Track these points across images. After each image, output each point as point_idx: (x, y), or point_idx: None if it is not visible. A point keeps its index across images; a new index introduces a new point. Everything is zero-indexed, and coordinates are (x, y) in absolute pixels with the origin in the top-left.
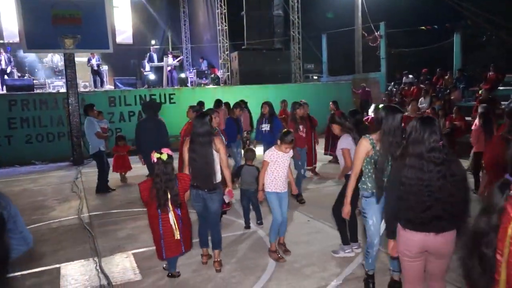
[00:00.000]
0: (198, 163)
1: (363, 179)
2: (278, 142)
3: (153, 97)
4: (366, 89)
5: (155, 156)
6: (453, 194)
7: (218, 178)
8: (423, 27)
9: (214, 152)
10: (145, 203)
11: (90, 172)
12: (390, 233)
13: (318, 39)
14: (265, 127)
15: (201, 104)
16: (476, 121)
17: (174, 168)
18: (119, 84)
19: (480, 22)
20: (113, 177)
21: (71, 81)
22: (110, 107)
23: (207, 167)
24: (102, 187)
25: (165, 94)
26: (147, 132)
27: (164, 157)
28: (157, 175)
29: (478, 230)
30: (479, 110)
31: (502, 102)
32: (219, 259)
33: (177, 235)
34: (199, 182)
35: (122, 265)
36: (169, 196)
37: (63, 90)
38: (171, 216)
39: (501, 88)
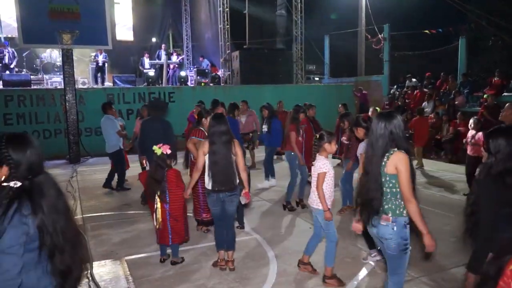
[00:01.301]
0: (220, 164)
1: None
2: (326, 146)
3: (152, 95)
4: (363, 92)
5: (154, 148)
6: None
7: (237, 180)
8: (427, 31)
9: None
10: (145, 192)
11: (86, 171)
12: (479, 266)
13: (320, 40)
14: (264, 128)
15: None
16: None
17: (168, 165)
18: (118, 82)
19: (484, 26)
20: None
21: (68, 77)
22: None
23: (229, 166)
24: (120, 183)
25: (164, 93)
26: (153, 133)
27: (158, 151)
28: (150, 168)
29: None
30: (474, 118)
31: None
32: (232, 259)
33: (158, 226)
34: (221, 184)
35: (115, 272)
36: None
37: (61, 86)
38: (157, 206)
39: (505, 94)
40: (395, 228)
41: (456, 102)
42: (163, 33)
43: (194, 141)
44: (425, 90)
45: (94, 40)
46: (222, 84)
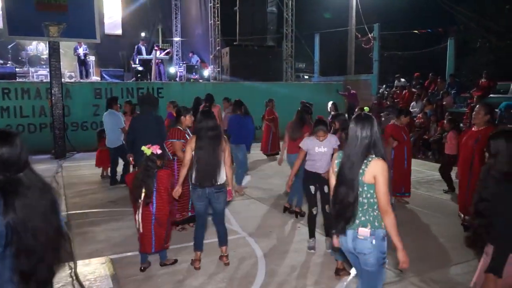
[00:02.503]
0: (206, 160)
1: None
2: None
3: (140, 90)
4: (352, 91)
5: (142, 149)
6: None
7: (224, 178)
8: (416, 31)
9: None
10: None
11: (72, 167)
12: (499, 270)
13: (311, 38)
14: None
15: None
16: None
17: (155, 161)
18: (105, 76)
19: (473, 27)
20: (96, 173)
21: (54, 71)
22: (95, 99)
23: (217, 162)
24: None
25: (153, 88)
26: (145, 129)
27: (148, 152)
28: (138, 169)
29: None
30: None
31: (495, 110)
32: (226, 254)
33: (140, 228)
34: (205, 179)
35: (99, 272)
36: (143, 192)
37: (47, 79)
38: (139, 212)
39: (492, 95)
40: (374, 242)
41: (444, 103)
42: (153, 28)
43: (179, 145)
44: (414, 90)
45: (81, 33)
46: (211, 81)
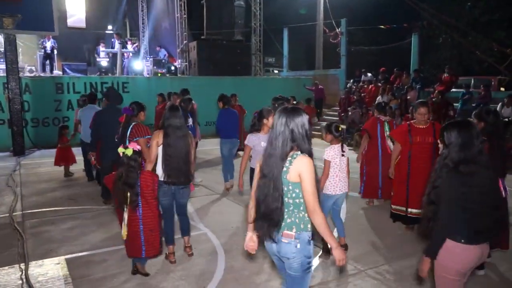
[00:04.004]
0: (175, 158)
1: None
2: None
3: (105, 85)
4: (320, 86)
5: (119, 150)
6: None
7: (192, 173)
8: (382, 26)
9: None
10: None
11: (31, 164)
12: (434, 252)
13: (279, 32)
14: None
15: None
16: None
17: (138, 162)
18: (67, 70)
19: (436, 24)
20: (56, 171)
21: (11, 65)
22: (57, 94)
23: (185, 159)
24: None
25: (118, 83)
26: (109, 125)
27: (129, 152)
28: (119, 171)
29: None
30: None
31: (455, 104)
32: (189, 244)
33: (124, 236)
34: (174, 178)
35: (52, 273)
36: (128, 195)
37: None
38: (125, 216)
39: (454, 90)
40: (298, 246)
41: (408, 97)
42: (119, 21)
43: (144, 141)
44: (379, 84)
45: (38, 25)
46: (179, 75)
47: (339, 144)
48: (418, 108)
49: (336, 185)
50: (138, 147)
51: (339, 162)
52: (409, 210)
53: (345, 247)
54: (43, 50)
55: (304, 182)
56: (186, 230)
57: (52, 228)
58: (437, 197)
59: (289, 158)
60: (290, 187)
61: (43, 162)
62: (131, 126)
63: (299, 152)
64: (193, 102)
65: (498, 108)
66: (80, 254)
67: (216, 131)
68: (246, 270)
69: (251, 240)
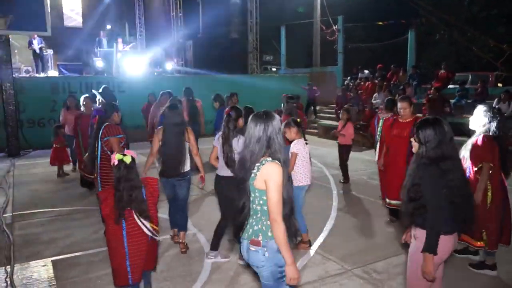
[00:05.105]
0: (170, 153)
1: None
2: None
3: (101, 85)
4: (314, 87)
5: (116, 157)
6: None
7: (187, 166)
8: (380, 22)
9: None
10: (104, 216)
11: (25, 165)
12: (436, 248)
13: (277, 30)
14: None
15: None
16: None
17: (138, 173)
18: (63, 70)
19: (433, 21)
20: (50, 171)
21: (5, 65)
22: (52, 94)
23: (180, 155)
24: None
25: (114, 82)
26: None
27: (128, 160)
28: (119, 181)
29: None
30: (343, 109)
31: (451, 100)
32: (184, 241)
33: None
34: (170, 170)
35: (38, 275)
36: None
37: None
38: (146, 223)
39: (451, 86)
40: (266, 254)
41: (405, 94)
42: (116, 20)
43: (117, 141)
44: (376, 81)
45: (31, 25)
46: (175, 74)
47: (302, 138)
48: (398, 103)
49: (306, 175)
50: (135, 155)
51: (305, 154)
52: (387, 200)
53: (308, 243)
54: (32, 51)
55: (269, 190)
56: (182, 225)
57: (40, 229)
58: (418, 194)
59: (257, 164)
60: (257, 194)
61: (37, 163)
62: (103, 127)
63: (269, 159)
64: (197, 100)
65: (494, 104)
66: (67, 255)
67: (214, 130)
68: (231, 270)
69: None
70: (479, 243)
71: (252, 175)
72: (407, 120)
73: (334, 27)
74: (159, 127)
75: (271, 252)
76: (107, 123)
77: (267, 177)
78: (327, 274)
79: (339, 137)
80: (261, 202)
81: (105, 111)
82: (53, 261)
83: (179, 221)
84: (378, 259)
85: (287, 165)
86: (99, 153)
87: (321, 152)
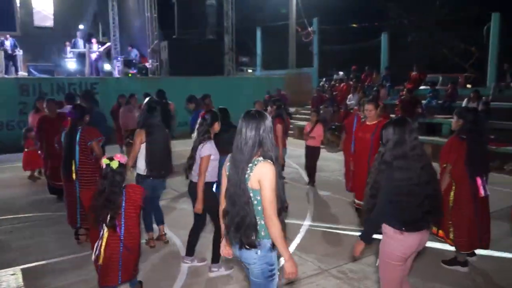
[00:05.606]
0: (158, 154)
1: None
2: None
3: (72, 86)
4: (282, 92)
5: (103, 161)
6: (435, 188)
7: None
8: (354, 25)
9: None
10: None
11: None
12: (369, 238)
13: (253, 31)
14: None
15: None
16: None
17: (125, 179)
18: (33, 71)
19: (405, 23)
20: (20, 176)
21: None
22: (22, 96)
23: (167, 155)
24: None
25: (86, 84)
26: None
27: (115, 165)
28: (102, 185)
29: None
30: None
31: (423, 101)
32: (164, 233)
33: (99, 259)
34: (156, 171)
35: (6, 284)
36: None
37: None
38: (102, 238)
39: (422, 87)
40: (259, 252)
41: (379, 95)
42: (89, 21)
43: (97, 144)
44: (351, 83)
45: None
46: (150, 75)
47: None
48: (365, 104)
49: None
50: (124, 160)
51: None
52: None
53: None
54: (3, 51)
55: (263, 189)
56: (161, 220)
57: (8, 237)
58: (378, 191)
59: (250, 165)
60: (251, 194)
61: (7, 167)
62: (79, 130)
63: (260, 158)
64: (170, 103)
65: (464, 104)
66: (38, 263)
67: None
68: (207, 272)
69: (225, 246)
70: (449, 240)
71: (246, 176)
72: (373, 123)
73: (309, 29)
74: (140, 128)
75: (263, 251)
76: (83, 126)
77: (260, 176)
78: (305, 274)
79: (308, 139)
80: (255, 202)
81: (77, 113)
82: (22, 270)
83: (157, 216)
84: (353, 259)
85: (279, 162)
86: (77, 157)
87: (297, 153)
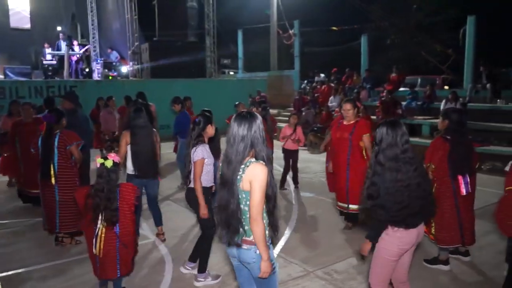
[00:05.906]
0: (143, 154)
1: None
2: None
3: (51, 89)
4: (262, 94)
5: (98, 161)
6: (425, 189)
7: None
8: (334, 27)
9: None
10: (81, 213)
11: None
12: (377, 237)
13: (234, 34)
14: None
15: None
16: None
17: (119, 177)
18: (10, 74)
19: (384, 26)
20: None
21: None
22: None
23: (152, 155)
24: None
25: (65, 86)
26: (83, 129)
27: (109, 164)
28: (98, 184)
29: None
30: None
31: (402, 102)
32: (162, 232)
33: (97, 252)
34: (143, 172)
35: None
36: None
37: None
38: (99, 235)
39: (402, 89)
40: (257, 252)
41: (360, 97)
42: (68, 22)
43: (76, 148)
44: (332, 85)
45: None
46: (130, 78)
47: None
48: (342, 104)
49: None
50: (117, 159)
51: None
52: (338, 203)
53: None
54: None
55: (253, 190)
56: (159, 220)
57: None
58: (376, 192)
59: (242, 166)
60: (244, 195)
61: None
62: (57, 135)
63: (253, 160)
64: (151, 104)
65: (442, 105)
66: (16, 271)
67: (174, 134)
68: (193, 278)
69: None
70: (431, 235)
71: (238, 177)
72: (350, 122)
73: (290, 31)
74: (125, 130)
75: None
76: (62, 130)
77: (252, 177)
78: (290, 277)
79: (288, 142)
80: (248, 203)
81: (53, 117)
82: (1, 278)
83: (155, 217)
84: (338, 260)
85: (271, 162)
86: (55, 162)
87: (280, 155)
